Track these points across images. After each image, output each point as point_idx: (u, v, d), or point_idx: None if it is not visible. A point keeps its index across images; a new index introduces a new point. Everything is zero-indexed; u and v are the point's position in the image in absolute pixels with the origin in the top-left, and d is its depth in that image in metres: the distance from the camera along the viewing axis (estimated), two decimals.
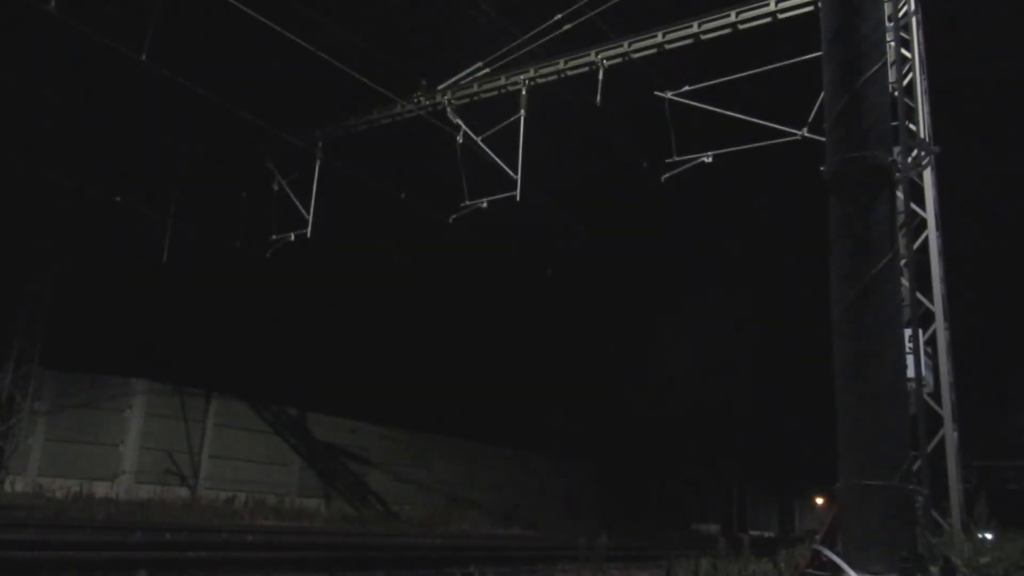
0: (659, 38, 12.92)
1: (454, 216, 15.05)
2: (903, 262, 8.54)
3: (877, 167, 3.86)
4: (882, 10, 4.21)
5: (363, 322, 23.97)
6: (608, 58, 13.32)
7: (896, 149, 8.90)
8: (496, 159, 14.30)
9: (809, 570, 3.72)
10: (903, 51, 10.59)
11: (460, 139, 14.51)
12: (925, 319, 9.98)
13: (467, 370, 26.53)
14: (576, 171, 19.65)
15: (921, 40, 11.01)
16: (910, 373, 8.48)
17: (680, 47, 12.82)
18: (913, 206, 10.04)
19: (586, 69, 13.57)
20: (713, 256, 26.37)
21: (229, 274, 19.42)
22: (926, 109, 10.72)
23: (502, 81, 14.36)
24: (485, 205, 14.55)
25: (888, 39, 9.27)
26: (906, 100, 10.36)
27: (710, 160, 13.48)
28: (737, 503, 47.97)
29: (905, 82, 10.50)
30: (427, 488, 26.40)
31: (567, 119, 15.57)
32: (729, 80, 12.62)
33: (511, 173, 14.02)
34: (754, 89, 12.55)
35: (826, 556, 3.61)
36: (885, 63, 3.97)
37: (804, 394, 26.35)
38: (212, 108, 13.27)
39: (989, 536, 8.12)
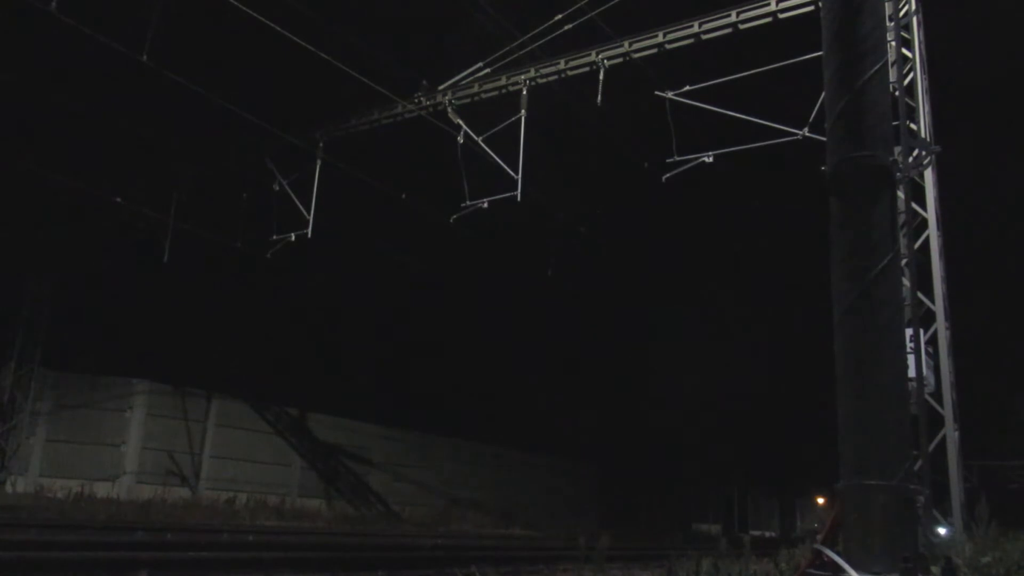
0: (660, 38, 12.92)
1: (455, 216, 15.05)
2: (904, 262, 8.56)
3: (878, 167, 3.86)
4: (883, 10, 4.20)
5: (363, 323, 23.98)
6: (609, 58, 13.31)
7: (897, 149, 8.90)
8: (497, 159, 14.31)
9: (810, 570, 3.71)
10: (904, 51, 10.59)
11: (461, 139, 14.50)
12: (926, 319, 9.99)
13: (467, 370, 26.54)
14: (576, 171, 19.65)
15: (922, 40, 11.02)
16: (911, 373, 8.48)
17: (680, 47, 12.82)
18: (914, 206, 10.05)
19: (587, 69, 13.57)
20: (714, 256, 26.37)
21: (230, 274, 19.43)
22: (927, 109, 10.73)
23: (503, 81, 14.36)
24: (485, 205, 14.54)
25: (889, 39, 9.28)
26: (907, 100, 10.37)
27: (711, 160, 13.47)
28: (738, 503, 47.97)
29: (906, 82, 10.52)
30: (427, 488, 26.40)
31: (568, 119, 15.57)
32: (729, 80, 12.61)
33: (512, 173, 14.02)
34: (754, 89, 12.55)
35: (827, 556, 3.60)
36: (886, 63, 3.97)
37: (805, 394, 26.41)
38: (212, 108, 13.27)
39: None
